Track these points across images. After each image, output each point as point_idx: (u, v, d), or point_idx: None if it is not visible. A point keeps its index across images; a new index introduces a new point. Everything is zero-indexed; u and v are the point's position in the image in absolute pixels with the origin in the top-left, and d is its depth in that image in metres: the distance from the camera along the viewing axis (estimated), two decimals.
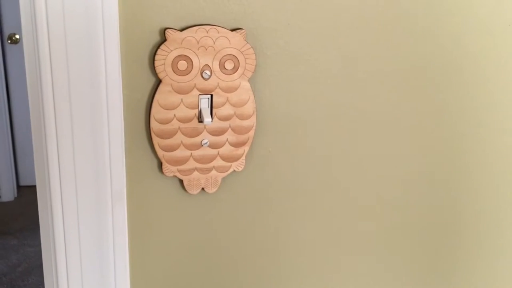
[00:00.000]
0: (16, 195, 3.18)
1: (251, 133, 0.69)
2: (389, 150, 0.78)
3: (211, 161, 0.69)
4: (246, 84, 0.67)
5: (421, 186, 0.81)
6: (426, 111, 0.77)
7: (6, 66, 3.02)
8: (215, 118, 0.67)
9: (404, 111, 0.76)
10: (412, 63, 0.74)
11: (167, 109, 0.65)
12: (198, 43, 0.63)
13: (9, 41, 2.97)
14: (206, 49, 0.64)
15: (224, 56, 0.65)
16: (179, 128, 0.66)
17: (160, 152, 0.66)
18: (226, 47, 0.64)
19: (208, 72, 0.65)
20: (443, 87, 0.77)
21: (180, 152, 0.67)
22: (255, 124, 0.69)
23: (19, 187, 3.23)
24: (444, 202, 0.84)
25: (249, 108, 0.68)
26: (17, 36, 2.97)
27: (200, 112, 0.66)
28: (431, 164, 0.81)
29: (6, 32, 2.98)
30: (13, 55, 3.01)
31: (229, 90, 0.66)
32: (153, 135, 0.66)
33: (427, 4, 0.71)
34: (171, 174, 0.68)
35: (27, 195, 3.17)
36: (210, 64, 0.65)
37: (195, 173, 0.69)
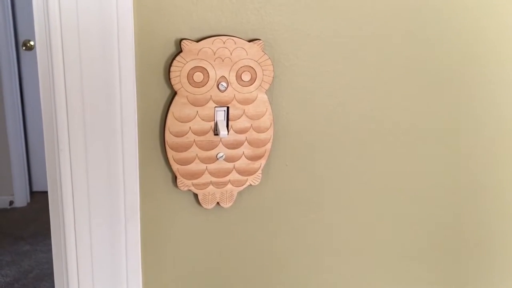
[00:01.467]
0: (29, 201, 3.19)
1: (268, 146, 0.67)
2: (411, 164, 0.75)
3: (227, 175, 0.67)
4: (263, 96, 0.65)
5: (445, 199, 0.79)
6: (452, 122, 0.75)
7: (21, 72, 3.05)
8: (231, 131, 0.65)
9: (428, 123, 0.74)
10: (436, 73, 0.72)
11: (182, 122, 0.63)
12: (214, 54, 0.62)
13: (23, 48, 3.00)
14: (223, 60, 0.62)
15: (241, 67, 0.63)
16: (194, 141, 0.65)
17: (174, 166, 0.65)
18: (243, 58, 0.63)
19: (225, 84, 0.63)
20: (469, 96, 0.74)
21: (195, 166, 0.65)
22: (272, 137, 0.67)
23: (32, 193, 3.24)
24: (469, 216, 0.81)
25: (266, 120, 0.66)
26: (32, 43, 2.99)
27: (216, 125, 0.64)
28: (457, 177, 0.78)
29: (21, 38, 3.00)
30: (27, 61, 3.04)
31: (246, 102, 0.65)
32: (167, 148, 0.64)
33: (452, 12, 0.69)
34: (186, 188, 0.66)
35: (40, 201, 3.19)
36: (226, 76, 0.63)
37: (210, 187, 0.67)
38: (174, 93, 0.62)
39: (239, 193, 0.69)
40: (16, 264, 2.54)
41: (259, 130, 0.66)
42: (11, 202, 3.12)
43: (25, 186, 3.15)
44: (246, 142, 0.66)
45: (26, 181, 3.15)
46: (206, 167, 0.66)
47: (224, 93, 0.64)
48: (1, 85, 2.93)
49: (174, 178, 0.66)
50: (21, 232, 2.84)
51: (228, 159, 0.66)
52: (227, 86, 0.63)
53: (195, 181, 0.66)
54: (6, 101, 2.95)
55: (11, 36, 2.92)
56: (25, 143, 3.14)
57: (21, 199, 3.13)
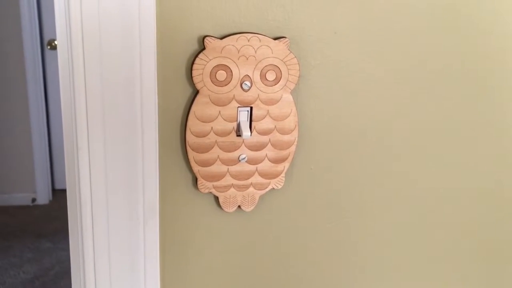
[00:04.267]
0: (51, 199, 3.22)
1: (292, 148, 0.65)
2: (444, 166, 0.72)
3: (249, 178, 0.65)
4: (288, 97, 0.63)
5: (483, 203, 0.75)
6: (486, 122, 0.71)
7: (45, 71, 3.08)
8: (254, 132, 0.63)
9: (462, 121, 0.70)
10: (469, 73, 0.68)
11: (204, 122, 0.61)
12: (238, 52, 0.59)
13: (48, 47, 3.03)
14: (247, 59, 0.60)
15: (266, 66, 0.61)
16: (216, 142, 0.62)
17: (195, 167, 0.63)
18: (268, 57, 0.60)
19: (248, 83, 0.61)
20: (497, 89, 0.70)
21: (217, 168, 0.63)
22: (296, 139, 0.65)
23: (54, 190, 3.27)
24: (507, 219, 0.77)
25: (291, 122, 0.64)
26: (56, 42, 3.02)
27: (238, 126, 0.62)
28: (490, 179, 0.74)
29: (46, 38, 3.04)
30: (52, 60, 3.07)
31: (270, 102, 0.62)
32: (188, 149, 0.62)
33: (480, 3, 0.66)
34: (207, 191, 0.64)
35: (62, 198, 3.21)
36: (250, 75, 0.61)
37: (232, 190, 0.65)
38: (196, 92, 0.60)
39: (261, 197, 0.66)
40: (37, 261, 2.56)
41: (283, 132, 0.64)
42: (33, 200, 3.15)
43: (47, 184, 3.17)
44: (269, 144, 0.64)
45: (48, 178, 3.18)
46: (228, 169, 0.64)
47: (248, 93, 0.61)
48: (25, 83, 2.96)
49: (195, 180, 0.64)
50: (42, 230, 2.87)
51: (251, 161, 0.64)
52: (251, 85, 0.61)
53: (216, 183, 0.64)
54: (30, 99, 2.99)
55: (36, 35, 2.95)
56: (48, 141, 3.17)
57: (43, 196, 3.16)
